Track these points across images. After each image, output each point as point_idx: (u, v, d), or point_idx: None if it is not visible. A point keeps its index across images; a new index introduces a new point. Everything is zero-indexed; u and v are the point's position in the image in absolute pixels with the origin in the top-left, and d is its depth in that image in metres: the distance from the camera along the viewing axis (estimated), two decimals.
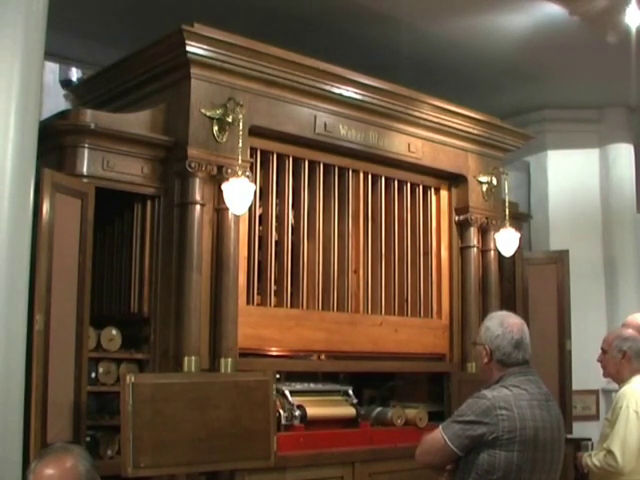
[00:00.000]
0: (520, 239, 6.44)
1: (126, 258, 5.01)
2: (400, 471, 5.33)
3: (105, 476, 4.23)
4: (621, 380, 4.70)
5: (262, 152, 5.34)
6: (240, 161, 4.83)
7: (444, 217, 6.39)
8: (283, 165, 5.47)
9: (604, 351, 4.80)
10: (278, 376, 5.13)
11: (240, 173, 4.75)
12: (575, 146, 8.41)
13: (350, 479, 5.25)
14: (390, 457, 5.41)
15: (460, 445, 3.31)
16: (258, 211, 5.33)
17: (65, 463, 2.67)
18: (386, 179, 6.08)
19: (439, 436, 3.38)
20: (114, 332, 4.80)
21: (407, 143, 6.01)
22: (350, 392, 5.59)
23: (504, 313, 3.66)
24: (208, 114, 4.90)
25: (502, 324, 3.50)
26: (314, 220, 5.59)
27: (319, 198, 5.63)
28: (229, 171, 4.85)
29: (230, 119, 4.92)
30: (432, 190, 6.38)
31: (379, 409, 5.79)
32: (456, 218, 6.39)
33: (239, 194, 4.74)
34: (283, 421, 5.05)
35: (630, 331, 4.81)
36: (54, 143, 4.63)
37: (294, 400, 5.17)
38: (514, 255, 6.50)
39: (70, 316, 4.38)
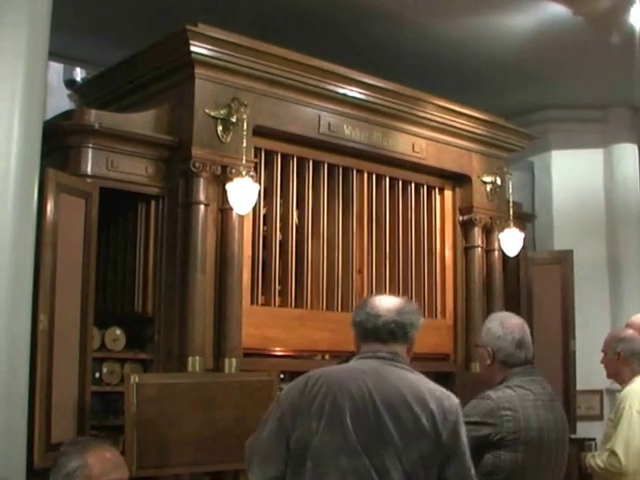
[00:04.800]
0: (524, 239, 6.44)
1: (130, 258, 5.01)
2: None
3: None
4: (622, 381, 4.69)
5: (266, 152, 5.34)
6: (244, 161, 4.83)
7: (448, 217, 6.39)
8: (287, 165, 5.47)
9: (604, 352, 4.79)
10: (282, 376, 5.13)
11: (244, 173, 4.75)
12: (579, 146, 8.39)
13: None
14: None
15: None
16: (262, 211, 5.33)
17: (114, 450, 2.71)
18: (390, 179, 6.08)
19: None
20: (118, 332, 4.80)
21: (411, 143, 6.01)
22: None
23: (504, 314, 3.67)
24: (212, 114, 4.90)
25: (503, 325, 3.50)
26: (318, 220, 5.59)
27: (323, 198, 5.63)
28: (233, 171, 4.85)
29: (234, 119, 4.92)
30: (436, 190, 6.38)
31: None
32: (460, 218, 6.39)
33: (243, 194, 4.74)
34: None
35: (630, 331, 4.79)
36: (58, 143, 4.64)
37: None
38: (518, 255, 6.50)
39: (74, 316, 4.38)
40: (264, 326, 5.15)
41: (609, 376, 4.87)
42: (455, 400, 2.83)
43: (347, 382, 2.78)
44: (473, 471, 2.83)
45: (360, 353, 2.92)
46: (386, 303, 2.95)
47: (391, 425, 2.70)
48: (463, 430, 2.81)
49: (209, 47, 4.84)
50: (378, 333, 2.88)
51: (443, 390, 2.86)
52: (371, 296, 3.08)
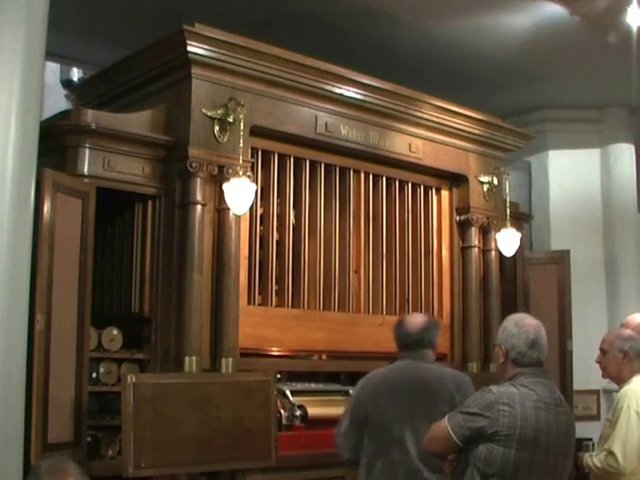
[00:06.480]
0: (521, 239, 6.44)
1: (127, 258, 5.02)
2: None
3: (106, 476, 4.26)
4: (622, 380, 4.67)
5: (263, 152, 5.34)
6: (241, 161, 4.83)
7: (445, 217, 6.39)
8: (284, 165, 5.47)
9: (604, 351, 4.77)
10: (279, 376, 5.13)
11: (241, 173, 4.75)
12: (576, 146, 8.40)
13: (352, 479, 5.24)
14: None
15: (462, 436, 3.32)
16: (259, 211, 5.33)
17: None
18: (387, 179, 6.08)
19: (444, 425, 3.40)
20: (115, 332, 4.80)
21: (408, 143, 6.01)
22: (351, 392, 5.57)
23: (521, 314, 3.68)
24: (209, 114, 4.90)
25: (518, 324, 3.51)
26: (315, 220, 5.59)
27: (320, 198, 5.63)
28: (230, 171, 4.85)
29: (231, 119, 4.92)
30: (433, 190, 6.38)
31: None
32: (457, 218, 6.39)
33: (240, 194, 4.74)
34: (284, 421, 5.04)
35: (629, 331, 4.79)
36: (55, 143, 4.64)
37: (295, 400, 5.16)
38: (515, 255, 6.50)
39: (71, 316, 4.38)
40: (261, 326, 5.15)
41: (607, 376, 4.84)
42: (465, 377, 4.07)
43: (389, 376, 4.05)
44: None
45: (400, 357, 4.10)
46: (414, 324, 4.09)
47: (421, 399, 3.90)
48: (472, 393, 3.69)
49: (206, 47, 4.84)
50: (410, 345, 4.06)
51: (455, 371, 4.20)
52: (404, 317, 4.29)
